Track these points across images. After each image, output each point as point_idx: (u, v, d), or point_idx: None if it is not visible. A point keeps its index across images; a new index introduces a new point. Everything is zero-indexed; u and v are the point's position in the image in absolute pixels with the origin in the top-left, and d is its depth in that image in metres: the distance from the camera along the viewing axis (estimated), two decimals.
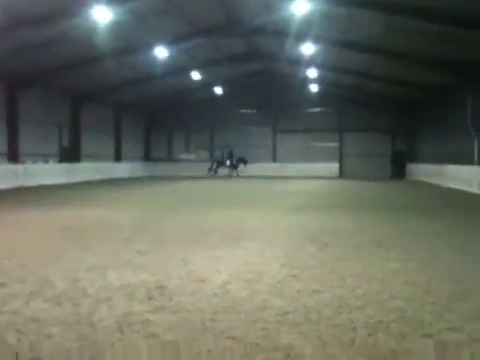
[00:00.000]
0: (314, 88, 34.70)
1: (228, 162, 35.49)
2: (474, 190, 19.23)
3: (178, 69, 28.44)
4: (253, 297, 4.55)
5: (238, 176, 34.73)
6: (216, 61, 28.66)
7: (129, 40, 22.17)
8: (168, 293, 4.68)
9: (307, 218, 10.79)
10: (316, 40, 21.84)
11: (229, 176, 34.68)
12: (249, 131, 38.65)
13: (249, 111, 38.82)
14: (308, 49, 22.79)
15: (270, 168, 37.63)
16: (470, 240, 8.09)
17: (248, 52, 28.12)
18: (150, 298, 4.52)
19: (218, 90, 35.74)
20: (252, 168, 36.23)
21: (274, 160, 38.96)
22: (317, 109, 37.75)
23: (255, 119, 38.73)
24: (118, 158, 35.57)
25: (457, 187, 21.43)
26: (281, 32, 21.98)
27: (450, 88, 24.13)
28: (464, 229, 9.47)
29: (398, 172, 35.78)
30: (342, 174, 37.20)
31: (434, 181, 26.16)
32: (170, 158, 40.55)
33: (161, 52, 23.43)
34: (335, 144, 38.08)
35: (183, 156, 40.35)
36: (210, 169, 35.48)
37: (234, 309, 4.21)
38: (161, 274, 5.41)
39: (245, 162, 35.24)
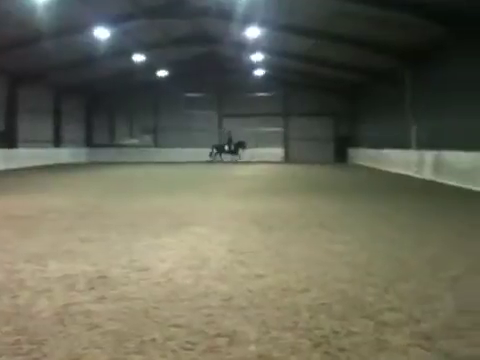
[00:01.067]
0: (260, 72, 34.75)
1: (226, 147, 35.09)
2: (412, 173, 20.01)
3: (121, 51, 27.59)
4: (198, 284, 4.52)
5: (238, 161, 34.27)
6: (160, 43, 28.07)
7: (70, 19, 21.24)
8: (110, 282, 4.56)
9: (253, 202, 10.85)
10: (261, 24, 21.81)
11: (233, 162, 34.06)
12: (194, 115, 38.28)
13: (194, 94, 38.38)
14: (253, 33, 22.73)
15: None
16: (410, 221, 8.42)
17: (193, 35, 27.73)
18: (92, 288, 4.39)
19: (162, 73, 35.03)
20: (198, 152, 36.03)
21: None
22: (263, 93, 37.88)
23: (200, 103, 38.34)
24: (58, 143, 34.27)
25: (396, 171, 22.25)
26: (226, 15, 21.80)
27: (391, 73, 24.87)
28: (404, 211, 9.84)
29: (340, 156, 36.69)
30: (287, 158, 37.69)
31: (374, 165, 27.02)
32: (113, 143, 39.53)
33: (103, 33, 22.64)
34: (280, 128, 38.46)
35: (126, 141, 39.43)
36: (210, 154, 35.01)
37: (178, 297, 4.16)
38: (103, 263, 5.27)
39: (244, 146, 34.94)
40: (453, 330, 3.42)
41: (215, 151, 35.21)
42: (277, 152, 37.66)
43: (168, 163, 32.49)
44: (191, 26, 26.16)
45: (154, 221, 8.12)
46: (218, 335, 3.33)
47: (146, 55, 28.95)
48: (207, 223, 7.93)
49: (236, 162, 33.91)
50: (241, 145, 35.00)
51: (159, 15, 22.46)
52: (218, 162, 33.84)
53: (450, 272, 4.92)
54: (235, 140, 35.28)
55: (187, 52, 31.68)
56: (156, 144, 39.13)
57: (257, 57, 29.28)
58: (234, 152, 35.17)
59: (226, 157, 34.98)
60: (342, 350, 3.09)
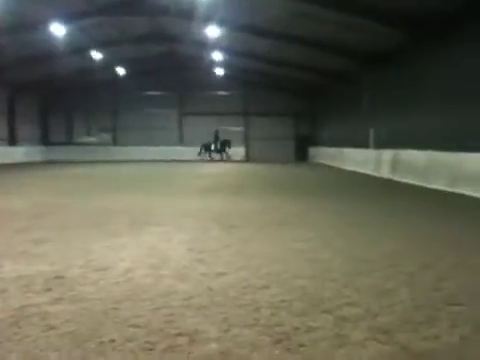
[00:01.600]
0: (220, 71, 34.71)
1: (213, 146, 35.18)
2: (370, 172, 20.45)
3: (78, 48, 26.89)
4: (158, 283, 4.46)
5: (227, 160, 34.53)
6: (119, 41, 27.53)
7: (23, 16, 20.57)
8: (68, 283, 4.44)
9: (214, 201, 10.83)
10: (221, 23, 21.77)
11: (221, 160, 34.50)
12: (154, 113, 37.85)
13: (154, 93, 37.93)
14: (213, 32, 22.65)
15: (177, 151, 37.25)
16: (368, 218, 8.59)
17: (152, 33, 27.34)
18: (48, 289, 4.26)
19: (121, 71, 34.46)
20: (158, 151, 35.69)
21: (181, 143, 38.62)
22: (224, 92, 37.87)
23: (160, 101, 37.93)
24: (13, 142, 33.16)
25: (355, 169, 22.70)
26: (185, 13, 21.62)
27: (350, 75, 25.37)
28: (363, 208, 10.04)
29: (301, 155, 37.14)
30: (248, 158, 37.83)
31: (334, 164, 27.48)
32: (70, 141, 38.56)
33: (59, 30, 22.03)
34: (241, 128, 38.57)
35: (84, 139, 38.57)
36: (199, 153, 35.19)
37: (138, 296, 4.09)
38: (60, 263, 5.13)
39: (229, 145, 35.15)
40: (409, 324, 3.50)
41: (203, 150, 35.44)
42: (238, 151, 37.74)
43: (127, 162, 32.00)
44: (150, 24, 25.80)
45: (112, 220, 7.97)
46: (179, 334, 3.30)
47: (104, 53, 28.36)
48: (167, 222, 7.85)
49: (225, 160, 34.55)
50: (227, 143, 35.30)
51: (117, 13, 22.05)
52: (208, 161, 34.38)
53: (407, 267, 5.05)
54: (220, 139, 35.61)
55: (146, 50, 31.23)
56: (115, 142, 38.46)
57: (217, 56, 29.23)
58: (221, 150, 35.47)
59: (215, 156, 35.43)
60: (302, 346, 3.12)
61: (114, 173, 22.21)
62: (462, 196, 12.12)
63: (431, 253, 5.76)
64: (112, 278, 4.61)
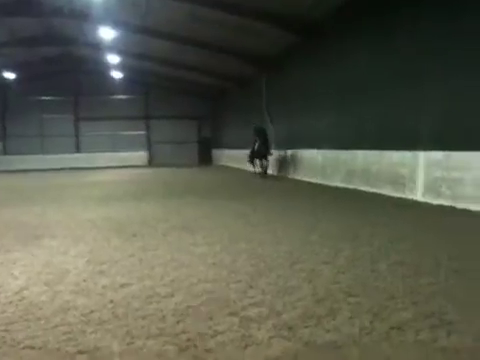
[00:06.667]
0: (118, 74, 33.81)
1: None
2: (271, 172, 20.98)
3: None
4: (54, 300, 4.19)
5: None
6: (7, 43, 25.72)
7: None
8: None
9: (114, 209, 10.47)
10: (116, 25, 21.23)
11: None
12: (49, 119, 35.89)
13: (48, 98, 35.97)
14: (108, 34, 22.02)
15: (74, 159, 35.63)
16: (267, 219, 8.79)
17: (45, 35, 25.88)
18: None
19: (10, 75, 32.25)
20: (54, 159, 33.93)
21: (78, 150, 37.02)
22: (123, 96, 36.95)
23: (55, 106, 36.06)
24: None
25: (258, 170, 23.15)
26: (79, 15, 20.82)
27: (248, 76, 25.95)
28: (261, 209, 10.25)
29: (205, 158, 37.34)
30: (151, 162, 37.25)
31: (238, 165, 27.89)
32: None
33: None
34: (143, 132, 37.88)
35: None
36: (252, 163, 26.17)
37: (33, 315, 3.81)
38: None
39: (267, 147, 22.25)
40: (312, 319, 3.61)
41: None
42: (140, 156, 37.03)
43: (20, 171, 30.03)
44: (43, 25, 24.45)
45: (1, 235, 7.39)
46: (78, 352, 3.11)
47: None
48: (63, 234, 7.42)
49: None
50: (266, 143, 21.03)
51: (5, 13, 20.60)
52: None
53: (307, 265, 5.21)
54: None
55: (39, 53, 29.49)
56: (6, 152, 35.88)
57: (114, 59, 28.45)
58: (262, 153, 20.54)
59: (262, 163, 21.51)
60: (209, 351, 3.08)
61: (3, 184, 20.67)
62: (355, 191, 13.06)
63: (329, 248, 6.01)
64: (3, 298, 4.25)
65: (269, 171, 19.93)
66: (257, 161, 20.43)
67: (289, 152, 19.52)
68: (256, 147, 20.04)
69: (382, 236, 6.74)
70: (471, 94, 9.65)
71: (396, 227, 7.52)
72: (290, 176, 18.49)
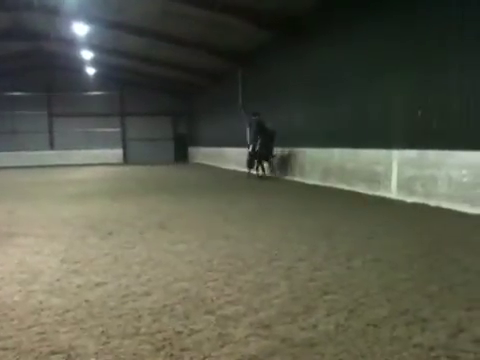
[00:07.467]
0: (92, 70, 33.29)
1: (250, 147, 21.16)
2: (252, 171, 20.96)
3: None
4: (28, 300, 4.11)
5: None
6: None
7: None
8: None
9: (89, 207, 10.34)
10: (88, 20, 20.88)
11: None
12: (21, 116, 35.10)
13: (19, 94, 35.16)
14: (80, 29, 21.64)
15: (48, 156, 35.01)
16: (244, 216, 8.80)
17: (14, 29, 25.30)
18: None
19: None
20: (27, 156, 33.26)
21: (52, 147, 36.37)
22: (97, 92, 36.40)
23: (28, 103, 35.26)
24: None
25: (234, 168, 23.19)
26: (51, 9, 20.39)
27: (224, 73, 25.84)
28: (238, 205, 10.26)
29: (181, 156, 37.13)
30: (127, 159, 36.86)
31: (214, 163, 27.84)
32: None
33: None
34: (118, 129, 37.44)
35: None
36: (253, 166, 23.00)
37: (5, 316, 3.73)
38: None
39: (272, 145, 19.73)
40: (288, 316, 3.62)
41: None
42: (115, 153, 36.61)
43: None
44: (11, 20, 23.87)
45: None
46: (52, 353, 3.06)
47: None
48: (37, 232, 7.30)
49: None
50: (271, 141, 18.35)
51: None
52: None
53: (284, 262, 5.23)
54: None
55: (8, 48, 28.78)
56: None
57: (87, 55, 28.01)
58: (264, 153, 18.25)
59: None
60: (185, 350, 3.06)
61: None
62: (331, 188, 13.18)
63: (306, 245, 6.05)
64: None
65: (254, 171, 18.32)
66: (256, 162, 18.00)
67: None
68: (257, 147, 17.47)
69: (357, 233, 6.81)
70: (441, 92, 9.75)
71: (371, 224, 7.61)
72: (261, 173, 18.43)
